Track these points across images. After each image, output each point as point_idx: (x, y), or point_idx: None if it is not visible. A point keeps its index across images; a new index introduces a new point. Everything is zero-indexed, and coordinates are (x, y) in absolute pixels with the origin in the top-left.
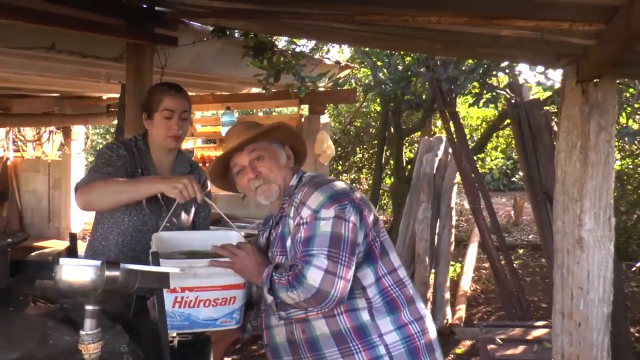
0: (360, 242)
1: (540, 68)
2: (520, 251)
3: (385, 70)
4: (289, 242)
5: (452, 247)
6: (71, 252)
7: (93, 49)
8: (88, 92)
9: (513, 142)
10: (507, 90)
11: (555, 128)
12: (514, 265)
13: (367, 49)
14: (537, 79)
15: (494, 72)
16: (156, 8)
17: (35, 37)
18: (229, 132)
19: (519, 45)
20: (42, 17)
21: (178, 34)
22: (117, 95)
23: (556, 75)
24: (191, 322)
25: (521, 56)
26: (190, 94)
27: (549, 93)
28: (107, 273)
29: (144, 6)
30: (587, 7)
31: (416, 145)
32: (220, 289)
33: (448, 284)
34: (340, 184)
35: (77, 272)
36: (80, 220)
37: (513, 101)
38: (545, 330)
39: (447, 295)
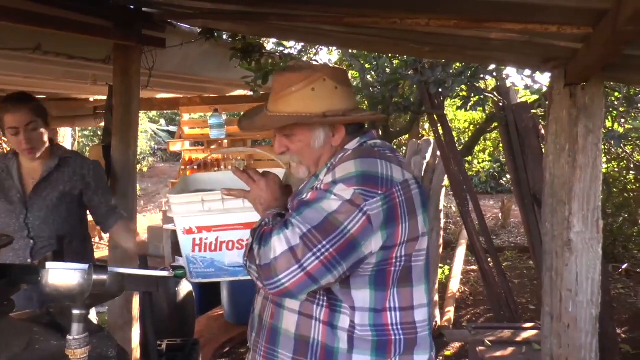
0: (369, 251)
1: (527, 71)
2: (508, 253)
3: (373, 73)
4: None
5: (441, 250)
6: (57, 255)
7: (80, 51)
8: (75, 94)
9: (501, 145)
10: (495, 93)
11: (543, 131)
12: (502, 267)
13: (355, 52)
14: (525, 83)
15: (482, 75)
16: (144, 9)
17: (21, 38)
18: (276, 79)
19: (507, 48)
20: (28, 18)
21: (166, 35)
22: (105, 97)
23: (543, 79)
24: (217, 268)
25: (509, 59)
26: (178, 96)
27: (536, 96)
28: (95, 277)
29: (132, 7)
30: (575, 11)
31: (404, 148)
32: (243, 228)
33: (437, 286)
34: (392, 169)
35: (64, 276)
36: None
37: (501, 104)
38: (534, 332)
39: (436, 297)
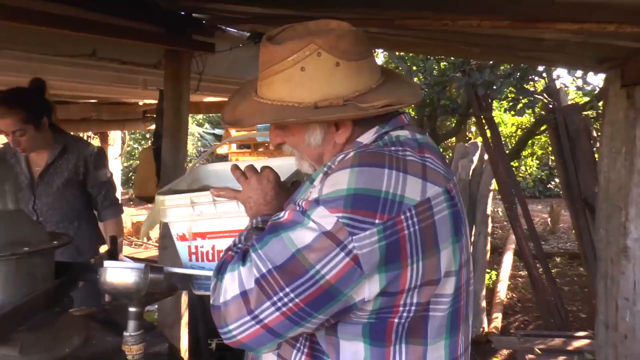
0: (360, 298)
1: (579, 72)
2: (558, 259)
3: (420, 75)
4: None
5: (488, 255)
6: (112, 254)
7: (132, 56)
8: (125, 98)
9: (550, 148)
10: (545, 95)
11: (595, 133)
12: (552, 273)
13: (402, 54)
14: (576, 84)
15: (531, 77)
16: (194, 15)
17: (78, 45)
18: (260, 52)
19: (560, 49)
20: (84, 26)
21: (215, 40)
22: (154, 101)
23: (596, 80)
24: None
25: (562, 60)
26: (225, 99)
27: (587, 98)
28: (151, 275)
29: (182, 13)
30: (635, 8)
31: (451, 151)
32: None
33: (484, 292)
34: (406, 183)
35: (121, 274)
36: None
37: (550, 106)
38: (586, 341)
39: (483, 303)
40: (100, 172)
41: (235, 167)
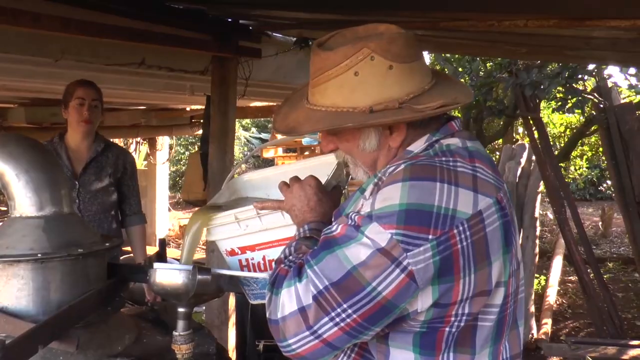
0: (413, 308)
1: (632, 70)
2: (610, 265)
3: (466, 77)
4: None
5: (536, 259)
6: (160, 257)
7: (180, 63)
8: (172, 105)
9: (600, 149)
10: (595, 94)
11: None
12: (604, 279)
13: (447, 55)
14: (629, 82)
15: (580, 76)
16: (240, 21)
17: (128, 54)
18: (312, 58)
19: (611, 46)
20: (135, 35)
21: (261, 45)
22: (200, 107)
23: None
24: None
25: (613, 58)
26: (271, 104)
27: None
28: (199, 277)
29: (229, 20)
30: None
31: (498, 153)
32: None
33: (533, 296)
34: (458, 197)
35: (170, 275)
36: (164, 226)
37: (601, 106)
38: None
39: (532, 308)
40: (135, 177)
41: (282, 182)
